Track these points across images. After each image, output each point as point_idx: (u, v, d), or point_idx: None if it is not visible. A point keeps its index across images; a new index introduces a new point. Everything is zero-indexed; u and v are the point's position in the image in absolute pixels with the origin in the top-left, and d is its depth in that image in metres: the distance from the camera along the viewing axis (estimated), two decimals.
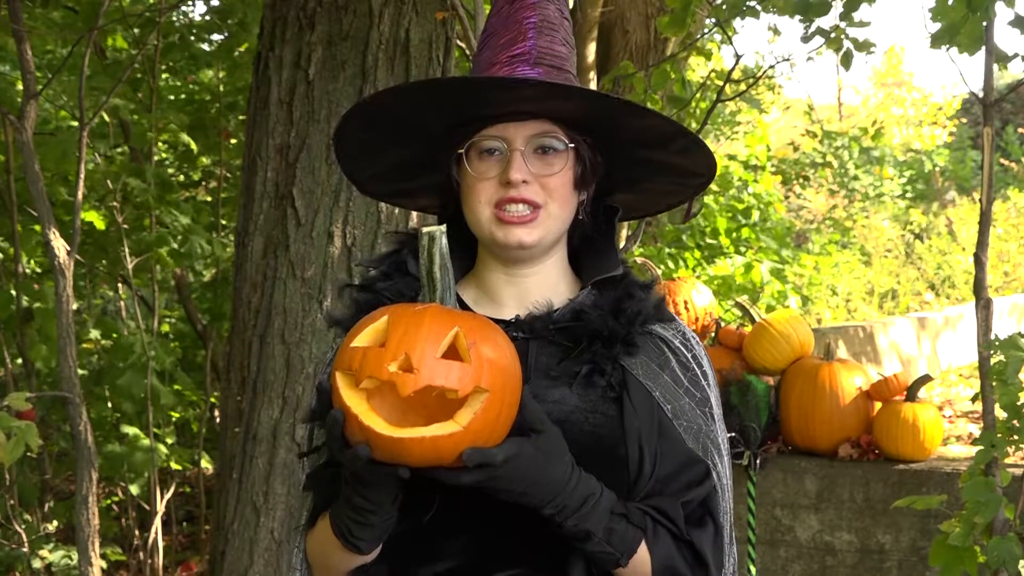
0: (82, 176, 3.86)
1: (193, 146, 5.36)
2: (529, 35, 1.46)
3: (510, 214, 1.44)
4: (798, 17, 3.33)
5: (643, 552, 1.35)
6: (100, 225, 5.29)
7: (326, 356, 1.59)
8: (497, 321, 1.48)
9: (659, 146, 1.50)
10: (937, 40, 2.56)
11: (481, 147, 1.45)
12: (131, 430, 4.94)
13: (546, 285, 1.51)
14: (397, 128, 1.51)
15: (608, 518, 1.32)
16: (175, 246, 4.89)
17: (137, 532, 5.40)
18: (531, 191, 1.43)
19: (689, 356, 1.50)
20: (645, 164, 1.54)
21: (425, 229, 1.30)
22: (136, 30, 5.25)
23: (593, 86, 5.86)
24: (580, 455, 1.34)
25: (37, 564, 4.62)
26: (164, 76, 6.19)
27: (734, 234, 7.70)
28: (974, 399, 2.75)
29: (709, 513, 1.43)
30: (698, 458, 1.44)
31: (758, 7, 3.45)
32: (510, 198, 1.43)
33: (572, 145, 1.46)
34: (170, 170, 6.45)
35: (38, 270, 5.89)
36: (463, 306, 1.51)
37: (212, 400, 5.82)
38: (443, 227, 1.31)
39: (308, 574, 1.50)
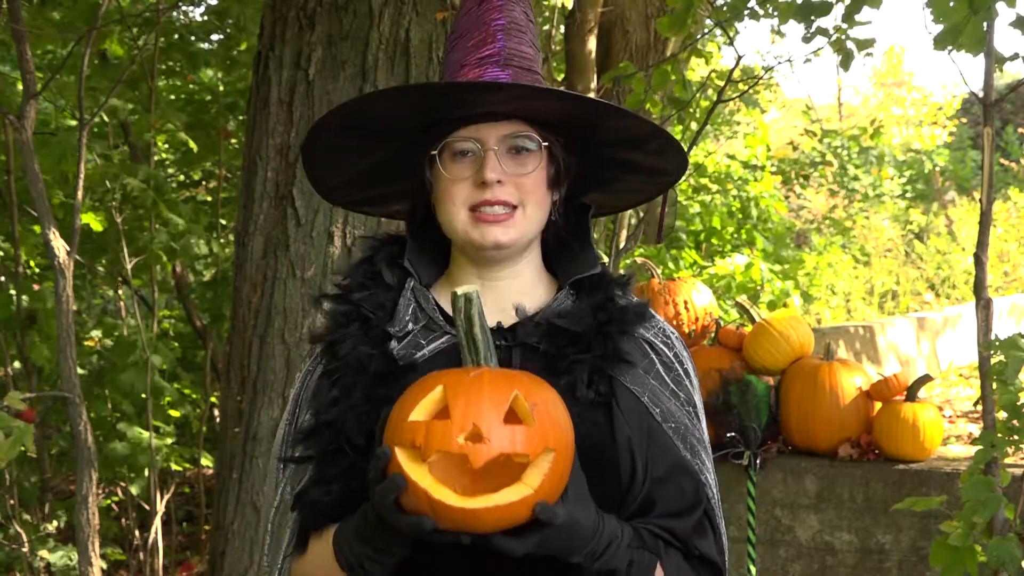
0: (82, 176, 3.86)
1: (193, 145, 5.36)
2: (498, 37, 1.46)
3: (486, 214, 1.43)
4: (797, 19, 3.33)
5: (658, 574, 1.37)
6: (97, 227, 5.29)
7: (304, 363, 1.56)
8: None
9: (634, 146, 1.50)
10: (940, 42, 2.55)
11: (455, 148, 1.45)
12: (132, 431, 4.94)
13: (522, 288, 1.50)
14: (368, 133, 1.50)
15: (629, 554, 1.33)
16: (172, 244, 4.88)
17: (137, 532, 5.40)
18: (506, 192, 1.43)
19: (671, 355, 1.50)
20: (616, 164, 1.54)
21: (460, 291, 1.28)
22: (135, 30, 5.25)
23: (593, 86, 5.86)
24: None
25: (37, 564, 4.62)
26: (164, 77, 6.19)
27: (732, 234, 7.70)
28: (976, 403, 2.74)
29: (707, 517, 1.45)
30: (689, 464, 1.45)
31: (759, 10, 3.45)
32: (485, 200, 1.42)
33: (545, 144, 1.46)
34: (170, 170, 6.46)
35: (38, 270, 5.89)
36: (440, 311, 1.50)
37: (212, 400, 5.82)
38: (477, 287, 1.30)
39: None
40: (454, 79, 1.46)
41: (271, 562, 1.50)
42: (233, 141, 5.80)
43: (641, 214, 5.16)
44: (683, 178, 1.66)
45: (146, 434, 4.82)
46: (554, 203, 1.51)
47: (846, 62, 3.42)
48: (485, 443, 1.18)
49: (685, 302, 4.04)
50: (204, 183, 6.73)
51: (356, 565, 1.32)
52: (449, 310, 1.49)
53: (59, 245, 3.58)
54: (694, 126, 6.24)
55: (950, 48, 2.55)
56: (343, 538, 1.34)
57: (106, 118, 5.16)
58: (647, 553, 1.36)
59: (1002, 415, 2.55)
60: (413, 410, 1.22)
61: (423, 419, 1.21)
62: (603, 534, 1.30)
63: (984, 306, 2.71)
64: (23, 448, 2.95)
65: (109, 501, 5.95)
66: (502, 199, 1.43)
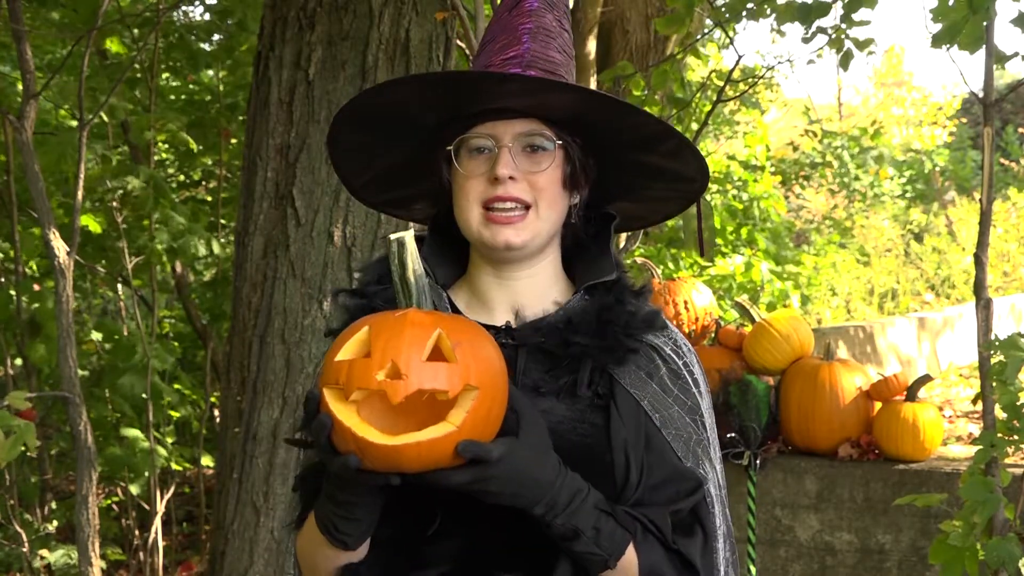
0: (82, 176, 3.86)
1: (193, 145, 5.36)
2: (524, 40, 1.47)
3: (498, 214, 1.43)
4: (798, 21, 3.33)
5: (631, 555, 1.35)
6: (96, 228, 5.29)
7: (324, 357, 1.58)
8: (487, 327, 1.47)
9: (648, 148, 1.50)
10: (938, 40, 2.55)
11: (470, 145, 1.46)
12: (131, 432, 4.94)
13: (537, 289, 1.50)
14: (388, 128, 1.52)
15: (596, 516, 1.32)
16: (173, 244, 4.88)
17: (137, 532, 5.40)
18: (519, 189, 1.43)
19: (680, 364, 1.50)
20: (637, 168, 1.54)
21: (393, 236, 1.30)
22: (136, 30, 5.25)
23: (593, 86, 5.87)
24: (568, 464, 1.34)
25: (37, 564, 4.62)
26: (164, 76, 6.19)
27: (732, 234, 7.70)
28: (975, 400, 2.75)
29: (698, 521, 1.43)
30: (687, 471, 1.43)
31: (757, 11, 3.45)
32: (498, 196, 1.43)
33: (560, 143, 1.46)
34: (170, 170, 6.45)
35: (38, 271, 5.89)
36: (454, 310, 1.51)
37: (212, 400, 5.82)
38: (411, 232, 1.31)
39: None
40: None
41: (289, 545, 1.54)
42: (233, 141, 5.80)
43: None
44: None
45: (146, 443, 4.82)
46: (573, 206, 1.52)
47: (846, 62, 3.43)
48: (403, 379, 1.19)
49: (685, 302, 4.04)
50: (204, 183, 6.73)
51: (330, 527, 1.33)
52: (465, 310, 1.51)
53: (59, 246, 3.58)
54: (694, 126, 6.24)
55: (947, 46, 2.55)
56: (318, 505, 1.36)
57: (105, 118, 5.16)
58: (619, 528, 1.34)
59: (1002, 415, 2.55)
60: (340, 350, 1.24)
61: (348, 358, 1.23)
62: (563, 487, 1.30)
63: (984, 306, 2.71)
64: (24, 448, 2.94)
65: (109, 501, 5.95)
66: (514, 196, 1.43)
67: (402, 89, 1.51)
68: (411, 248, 1.30)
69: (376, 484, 1.24)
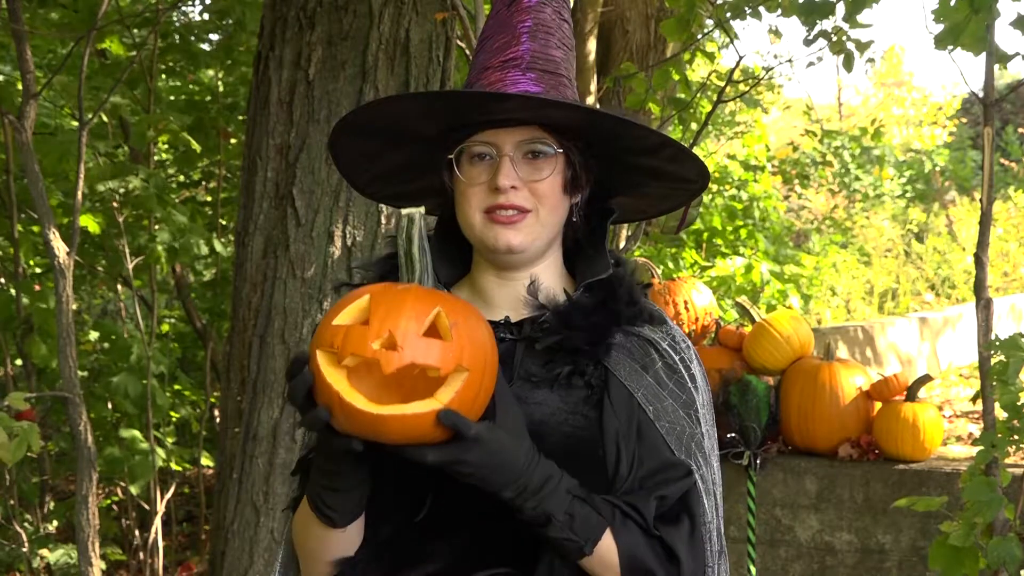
0: (81, 176, 3.86)
1: (195, 146, 5.36)
2: (523, 39, 1.48)
3: (499, 216, 1.45)
4: (800, 18, 3.32)
5: (608, 541, 1.34)
6: (94, 229, 5.29)
7: None
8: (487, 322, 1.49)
9: (649, 153, 1.51)
10: (941, 41, 2.55)
11: (472, 152, 1.47)
12: (130, 433, 4.94)
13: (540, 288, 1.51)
14: (389, 135, 1.53)
15: (569, 501, 1.32)
16: (173, 244, 4.88)
17: (137, 532, 5.40)
18: (520, 197, 1.45)
19: (677, 359, 1.50)
20: (638, 170, 1.55)
21: (404, 211, 1.31)
22: (135, 31, 5.25)
23: (593, 86, 5.86)
24: (560, 456, 1.35)
25: (37, 564, 4.62)
26: (163, 76, 6.19)
27: (731, 235, 7.70)
28: (974, 399, 2.75)
29: (686, 511, 1.42)
30: (678, 462, 1.43)
31: (761, 8, 3.44)
32: (499, 205, 1.44)
33: (561, 150, 1.47)
34: (170, 170, 6.45)
35: (38, 270, 5.89)
36: None
37: (212, 400, 5.82)
38: (422, 209, 1.32)
39: (290, 565, 1.51)
40: (477, 82, 1.48)
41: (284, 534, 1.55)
42: (233, 141, 5.80)
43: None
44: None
45: (145, 444, 4.82)
46: (574, 205, 1.53)
47: (848, 63, 3.42)
48: (398, 351, 1.20)
49: (685, 302, 4.04)
50: (204, 183, 6.73)
51: (319, 502, 1.35)
52: None
53: (59, 246, 3.58)
54: (694, 127, 6.24)
55: (951, 48, 2.55)
56: (310, 480, 1.37)
57: (105, 118, 5.16)
58: (595, 514, 1.34)
59: (1002, 415, 2.55)
60: (338, 315, 1.25)
61: (345, 324, 1.24)
62: (536, 470, 1.30)
63: (984, 306, 2.71)
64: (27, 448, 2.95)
65: (109, 501, 5.95)
66: (516, 204, 1.44)
67: (401, 104, 1.53)
68: (419, 224, 1.30)
69: (342, 448, 1.25)
